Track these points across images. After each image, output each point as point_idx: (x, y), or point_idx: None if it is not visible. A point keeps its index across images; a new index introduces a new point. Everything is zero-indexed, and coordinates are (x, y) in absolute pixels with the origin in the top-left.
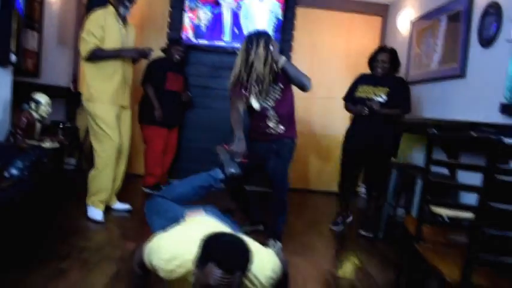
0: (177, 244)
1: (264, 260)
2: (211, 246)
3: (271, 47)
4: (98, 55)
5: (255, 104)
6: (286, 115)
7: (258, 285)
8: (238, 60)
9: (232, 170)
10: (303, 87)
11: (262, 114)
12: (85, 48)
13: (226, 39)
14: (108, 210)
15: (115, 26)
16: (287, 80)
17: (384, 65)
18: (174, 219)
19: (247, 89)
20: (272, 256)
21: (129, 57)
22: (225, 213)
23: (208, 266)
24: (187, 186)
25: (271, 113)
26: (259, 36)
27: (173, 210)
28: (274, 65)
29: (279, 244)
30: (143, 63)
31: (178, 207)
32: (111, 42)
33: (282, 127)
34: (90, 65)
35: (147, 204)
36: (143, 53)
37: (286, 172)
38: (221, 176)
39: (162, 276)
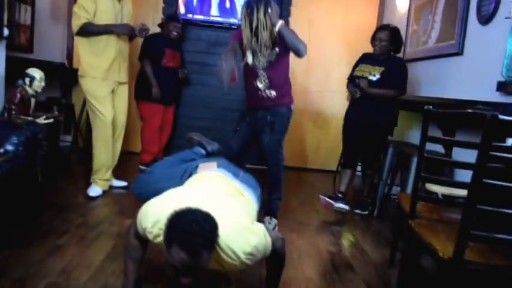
0: (162, 208)
1: (247, 237)
2: (174, 228)
3: (269, 10)
4: (88, 30)
5: (249, 57)
6: (278, 80)
7: (236, 260)
8: (245, 29)
9: (213, 147)
10: (297, 52)
11: (253, 72)
12: (76, 23)
13: (214, 14)
14: None
15: (108, 0)
16: (284, 46)
17: (382, 43)
18: (178, 178)
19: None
20: (259, 233)
21: (121, 34)
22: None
23: (173, 248)
24: (170, 160)
25: (261, 73)
26: (258, 1)
27: (168, 175)
28: (273, 29)
29: (274, 221)
30: (140, 38)
31: (173, 170)
32: (104, 17)
33: (273, 92)
34: (82, 40)
35: (133, 184)
36: (139, 31)
37: (281, 147)
38: (203, 151)
39: (151, 241)
